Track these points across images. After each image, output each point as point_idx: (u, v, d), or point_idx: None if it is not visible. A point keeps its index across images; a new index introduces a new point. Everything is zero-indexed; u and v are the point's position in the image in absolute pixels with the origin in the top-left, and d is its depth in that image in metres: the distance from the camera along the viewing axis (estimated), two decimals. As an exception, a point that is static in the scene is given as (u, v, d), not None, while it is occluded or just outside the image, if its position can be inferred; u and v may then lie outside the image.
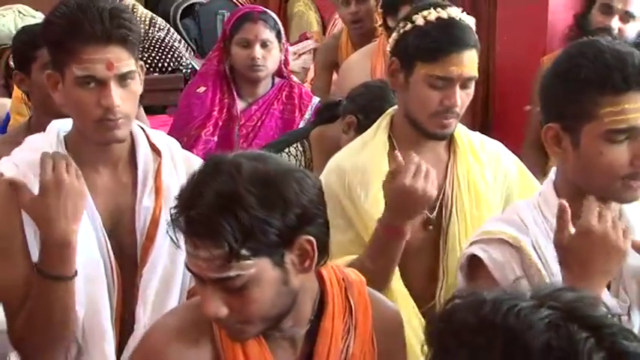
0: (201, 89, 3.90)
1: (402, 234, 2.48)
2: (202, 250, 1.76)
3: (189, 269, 1.82)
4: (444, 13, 2.56)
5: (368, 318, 1.99)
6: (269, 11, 4.00)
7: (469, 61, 2.54)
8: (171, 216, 1.80)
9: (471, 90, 2.60)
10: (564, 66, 2.07)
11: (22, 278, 2.31)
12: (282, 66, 3.97)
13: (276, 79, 3.96)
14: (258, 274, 1.78)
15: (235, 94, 3.89)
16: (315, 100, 3.98)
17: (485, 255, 2.11)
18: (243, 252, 1.75)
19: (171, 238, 1.82)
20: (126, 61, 2.28)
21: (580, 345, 1.23)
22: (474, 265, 2.15)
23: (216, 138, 3.82)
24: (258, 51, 3.79)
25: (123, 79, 2.28)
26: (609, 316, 1.29)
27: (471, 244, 2.19)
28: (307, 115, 3.89)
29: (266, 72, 3.84)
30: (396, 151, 2.52)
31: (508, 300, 1.29)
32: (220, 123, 3.85)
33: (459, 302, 1.35)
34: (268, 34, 3.81)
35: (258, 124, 3.86)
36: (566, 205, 1.99)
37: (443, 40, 2.52)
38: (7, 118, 3.90)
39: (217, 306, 1.79)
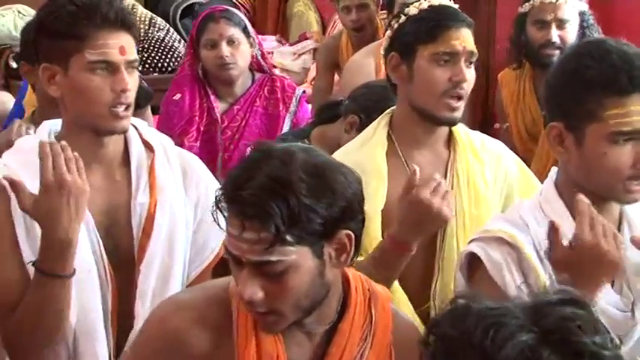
0: (177, 96, 3.89)
1: (409, 250, 2.49)
2: (249, 231, 1.78)
3: (227, 252, 1.84)
4: (435, 1, 2.64)
5: (387, 332, 1.98)
6: (232, 8, 3.98)
7: (467, 37, 2.60)
8: (216, 197, 1.83)
9: (474, 71, 2.63)
10: (571, 66, 2.07)
11: (13, 279, 2.30)
12: (261, 60, 3.95)
13: (257, 75, 3.94)
14: (298, 261, 1.80)
15: (214, 96, 3.87)
16: (299, 90, 3.96)
17: (483, 253, 2.11)
18: (288, 238, 1.78)
19: (214, 219, 1.84)
20: (133, 49, 2.33)
21: None
22: (472, 263, 2.14)
23: (198, 143, 3.80)
24: (225, 49, 3.77)
25: (131, 66, 2.32)
26: (608, 339, 1.29)
27: (471, 241, 2.18)
28: (292, 108, 3.89)
29: (238, 70, 3.83)
30: (414, 165, 2.52)
31: (492, 317, 1.30)
32: (202, 128, 3.84)
33: (448, 310, 1.36)
34: (233, 31, 3.79)
35: (242, 123, 3.85)
36: (558, 224, 2.00)
37: (440, 18, 2.59)
38: (15, 115, 3.89)
39: (254, 289, 1.81)
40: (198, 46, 3.85)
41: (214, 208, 1.83)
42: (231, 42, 3.79)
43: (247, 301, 1.83)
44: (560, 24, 3.88)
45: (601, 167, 2.03)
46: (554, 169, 2.20)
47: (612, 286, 2.10)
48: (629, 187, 2.04)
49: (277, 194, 1.76)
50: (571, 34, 3.89)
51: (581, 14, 3.93)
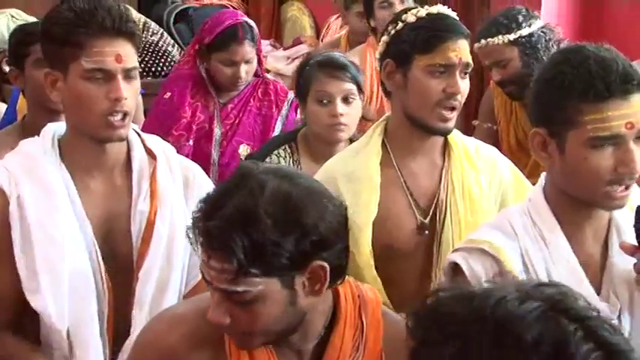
0: (167, 95, 3.89)
1: None
2: (214, 261, 1.78)
3: (202, 274, 1.84)
4: (433, 9, 2.64)
5: (378, 338, 1.97)
6: (249, 22, 3.89)
7: (464, 48, 2.61)
8: (192, 220, 1.82)
9: (468, 82, 2.64)
10: (550, 72, 2.08)
11: (6, 289, 2.31)
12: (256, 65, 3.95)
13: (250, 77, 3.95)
14: (266, 292, 1.79)
15: (214, 93, 3.86)
16: (291, 95, 3.96)
17: (464, 264, 2.12)
18: (253, 270, 1.76)
19: (191, 243, 1.83)
20: (132, 57, 2.32)
21: (570, 335, 1.24)
22: (455, 270, 2.15)
23: (191, 142, 3.80)
24: (242, 70, 3.77)
25: (128, 74, 2.32)
26: (591, 309, 1.30)
27: (455, 250, 2.19)
28: (284, 111, 3.91)
29: (245, 83, 3.84)
30: None
31: (496, 292, 1.29)
32: (195, 127, 3.84)
33: (445, 296, 1.34)
34: (251, 52, 3.78)
35: (236, 121, 3.86)
36: None
37: (438, 29, 2.59)
38: (8, 119, 3.89)
39: (220, 315, 1.82)
40: (208, 51, 3.81)
41: (189, 230, 1.82)
42: (247, 62, 3.79)
43: (216, 325, 1.84)
44: (497, 65, 3.81)
45: (582, 172, 2.04)
46: (543, 175, 2.20)
47: (599, 293, 2.09)
48: (612, 193, 2.03)
49: (240, 228, 1.74)
50: (514, 67, 3.76)
51: (519, 43, 3.75)
